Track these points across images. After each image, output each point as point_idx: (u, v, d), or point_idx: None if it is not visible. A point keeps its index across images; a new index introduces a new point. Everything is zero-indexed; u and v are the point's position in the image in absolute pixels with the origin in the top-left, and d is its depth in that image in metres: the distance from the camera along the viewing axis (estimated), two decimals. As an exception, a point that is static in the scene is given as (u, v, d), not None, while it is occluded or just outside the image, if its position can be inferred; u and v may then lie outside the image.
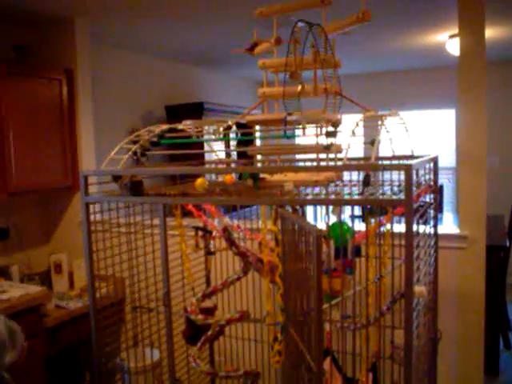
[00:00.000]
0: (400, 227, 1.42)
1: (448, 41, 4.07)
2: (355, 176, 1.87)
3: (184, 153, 1.86)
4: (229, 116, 4.29)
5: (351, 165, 1.68)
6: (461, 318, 2.50)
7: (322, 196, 1.60)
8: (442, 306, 2.18)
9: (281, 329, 1.90)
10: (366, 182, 1.40)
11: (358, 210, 2.71)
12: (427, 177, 1.91)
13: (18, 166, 2.87)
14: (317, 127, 1.63)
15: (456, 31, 2.91)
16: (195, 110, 4.34)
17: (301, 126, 1.62)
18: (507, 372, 3.53)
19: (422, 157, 1.83)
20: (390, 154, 1.98)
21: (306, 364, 1.37)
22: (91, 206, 1.84)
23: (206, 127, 1.90)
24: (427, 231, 1.79)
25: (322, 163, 1.75)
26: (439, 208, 4.26)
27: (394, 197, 1.50)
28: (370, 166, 1.50)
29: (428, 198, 1.87)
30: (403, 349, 1.37)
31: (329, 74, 1.70)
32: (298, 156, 2.31)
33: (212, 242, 2.36)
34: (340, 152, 1.64)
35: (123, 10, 3.13)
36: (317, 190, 1.64)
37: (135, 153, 1.82)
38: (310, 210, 1.83)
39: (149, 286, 2.23)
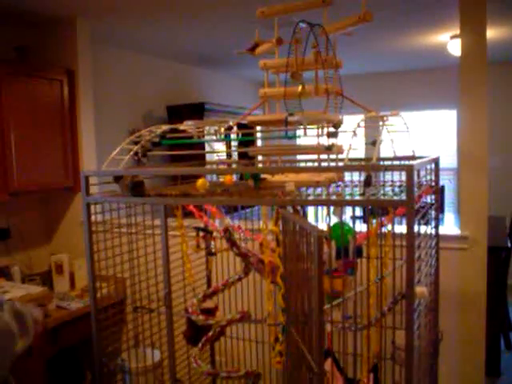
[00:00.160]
0: (401, 228, 1.41)
1: (449, 41, 4.07)
2: (356, 177, 1.87)
3: (185, 153, 1.86)
4: (230, 116, 4.30)
5: (352, 165, 1.68)
6: (462, 318, 2.50)
7: (323, 197, 1.60)
8: (443, 307, 2.18)
9: (282, 329, 1.90)
10: (368, 183, 1.40)
11: (359, 211, 2.72)
12: (428, 177, 1.91)
13: (19, 166, 2.87)
14: (318, 128, 1.63)
15: (457, 32, 2.91)
16: (196, 111, 4.35)
17: (302, 127, 1.62)
18: (508, 372, 3.53)
19: (423, 157, 1.83)
20: (391, 155, 1.98)
21: (307, 364, 1.37)
22: (92, 207, 1.84)
23: (207, 127, 1.90)
24: (428, 232, 1.79)
25: (324, 164, 1.75)
26: (440, 209, 4.26)
27: (396, 197, 1.50)
28: (371, 167, 1.50)
29: (429, 198, 1.87)
30: (404, 349, 1.37)
31: (330, 74, 1.70)
32: (299, 157, 2.30)
33: (213, 242, 2.36)
34: (341, 153, 1.64)
35: (124, 10, 3.13)
36: (318, 190, 1.64)
37: (136, 153, 1.82)
38: (311, 210, 1.83)
39: (150, 287, 2.23)
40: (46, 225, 3.49)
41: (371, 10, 1.66)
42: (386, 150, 1.99)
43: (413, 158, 1.94)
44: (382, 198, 1.50)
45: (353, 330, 1.65)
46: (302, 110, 1.65)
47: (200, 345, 2.06)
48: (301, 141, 1.80)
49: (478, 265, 2.47)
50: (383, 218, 1.79)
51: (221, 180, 1.93)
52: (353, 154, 1.51)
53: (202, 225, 2.28)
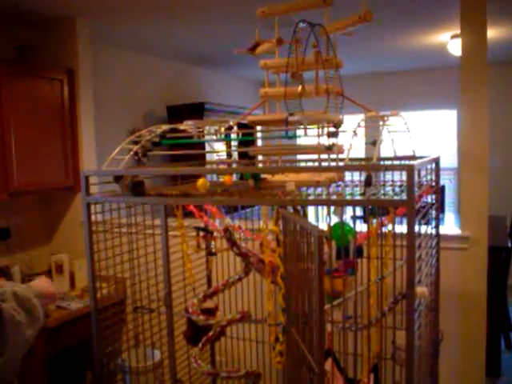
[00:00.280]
0: (402, 228, 1.41)
1: (450, 41, 4.06)
2: (357, 176, 1.87)
3: (185, 153, 1.86)
4: (230, 116, 4.30)
5: (353, 165, 1.68)
6: (462, 318, 2.50)
7: (324, 196, 1.59)
8: (443, 307, 2.17)
9: (282, 329, 1.90)
10: (368, 183, 1.40)
11: (359, 211, 2.72)
12: (429, 177, 1.91)
13: (19, 165, 2.87)
14: (318, 128, 1.63)
15: (457, 32, 2.91)
16: (196, 111, 4.35)
17: (302, 127, 1.62)
18: (508, 373, 3.53)
19: (423, 157, 1.83)
20: (391, 155, 1.98)
21: (307, 365, 1.37)
22: (92, 207, 1.84)
23: (208, 127, 1.90)
24: (429, 232, 1.79)
25: (324, 164, 1.75)
26: (441, 209, 4.25)
27: (396, 197, 1.50)
28: (371, 167, 1.50)
29: (430, 198, 1.87)
30: (405, 350, 1.37)
31: (330, 74, 1.70)
32: (299, 156, 2.30)
33: (213, 242, 2.36)
34: (341, 152, 1.64)
35: (124, 10, 3.13)
36: (318, 190, 1.64)
37: (136, 153, 1.81)
38: (311, 210, 1.83)
39: (150, 287, 2.23)
40: (46, 225, 3.49)
41: (372, 9, 1.66)
42: (386, 150, 1.99)
43: (413, 157, 1.94)
44: (382, 197, 1.50)
45: (353, 330, 1.65)
46: (302, 110, 1.65)
47: (200, 345, 2.06)
48: (301, 141, 1.80)
49: (478, 265, 2.47)
50: (384, 218, 1.79)
51: (221, 180, 1.93)
52: (353, 154, 1.51)
53: (202, 225, 2.28)
